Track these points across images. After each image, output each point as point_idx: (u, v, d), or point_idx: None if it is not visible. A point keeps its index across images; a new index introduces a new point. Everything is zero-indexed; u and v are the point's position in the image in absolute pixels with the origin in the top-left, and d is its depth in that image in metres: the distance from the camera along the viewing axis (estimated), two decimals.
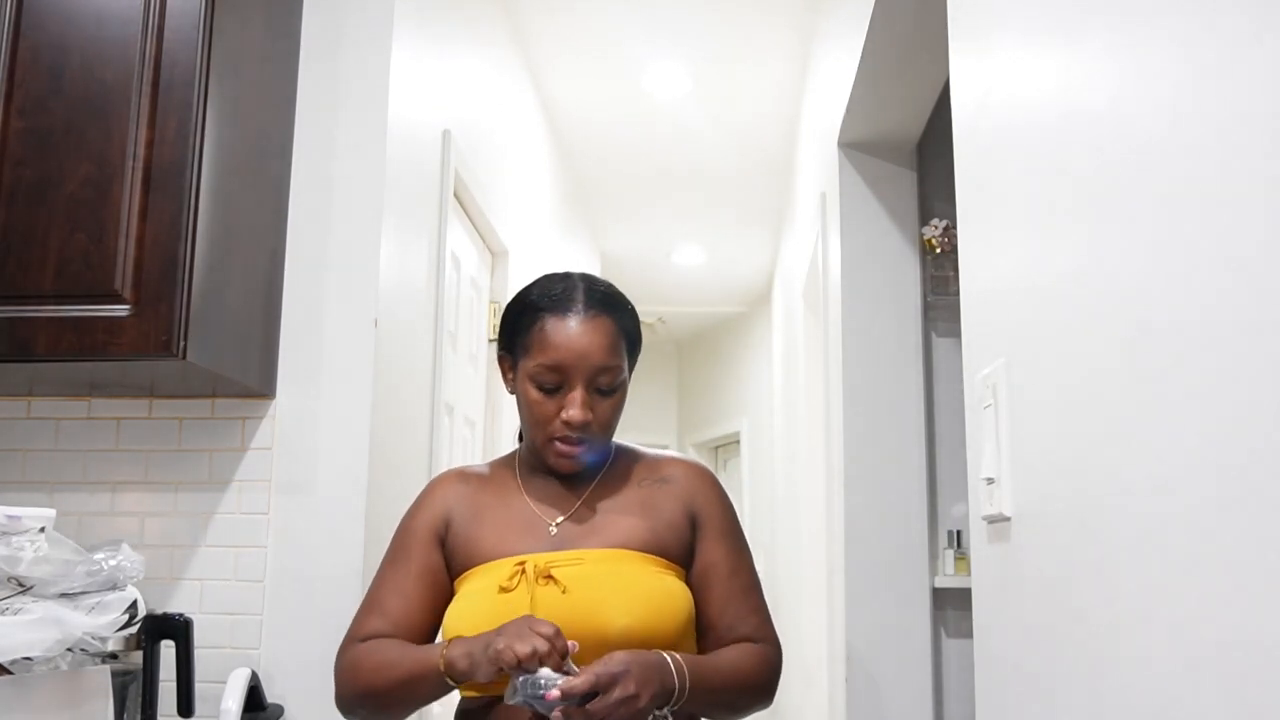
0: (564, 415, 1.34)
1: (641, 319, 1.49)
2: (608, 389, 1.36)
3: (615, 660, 1.19)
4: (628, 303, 1.44)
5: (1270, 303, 0.60)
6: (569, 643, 1.18)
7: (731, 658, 1.35)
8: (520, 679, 1.16)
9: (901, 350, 2.65)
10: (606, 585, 1.30)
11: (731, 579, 1.40)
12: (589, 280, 1.43)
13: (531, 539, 1.37)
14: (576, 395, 1.34)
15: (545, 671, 1.15)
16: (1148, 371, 0.76)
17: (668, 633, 1.29)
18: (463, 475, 1.49)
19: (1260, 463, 0.61)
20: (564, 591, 1.28)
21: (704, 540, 1.40)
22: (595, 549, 1.34)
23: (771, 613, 1.46)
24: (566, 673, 1.17)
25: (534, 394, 1.36)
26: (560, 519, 1.38)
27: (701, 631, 1.40)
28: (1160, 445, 0.74)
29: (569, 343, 1.33)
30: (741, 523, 1.48)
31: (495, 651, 1.16)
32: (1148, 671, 0.75)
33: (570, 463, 1.38)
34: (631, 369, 1.45)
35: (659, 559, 1.35)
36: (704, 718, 1.36)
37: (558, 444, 1.37)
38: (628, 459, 1.47)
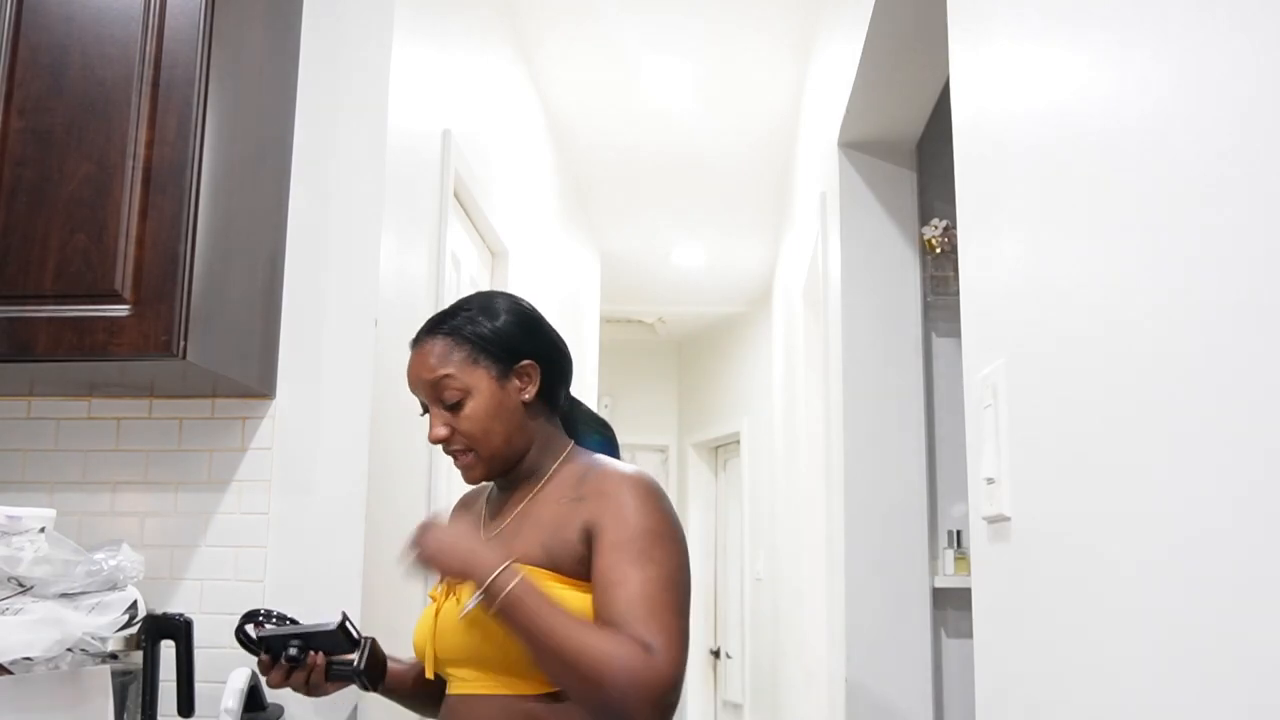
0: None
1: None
2: (453, 403, 1.40)
3: (439, 524, 1.35)
4: (473, 305, 1.44)
5: (1271, 303, 0.60)
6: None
7: (584, 624, 1.29)
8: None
9: (901, 350, 2.65)
10: None
11: (615, 588, 1.32)
12: (452, 306, 1.47)
13: None
14: (428, 417, 1.43)
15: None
16: (1148, 371, 0.76)
17: None
18: (464, 500, 1.61)
19: (1261, 462, 0.61)
20: (457, 601, 1.35)
21: (596, 554, 1.35)
22: None
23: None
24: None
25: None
26: (494, 534, 1.44)
27: None
28: (1160, 445, 0.74)
29: (407, 373, 1.44)
30: (676, 532, 1.37)
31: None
32: (1147, 671, 0.75)
33: (464, 473, 1.45)
34: (505, 364, 1.42)
35: (552, 573, 1.34)
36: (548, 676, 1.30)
37: (451, 458, 1.45)
38: (569, 472, 1.44)
